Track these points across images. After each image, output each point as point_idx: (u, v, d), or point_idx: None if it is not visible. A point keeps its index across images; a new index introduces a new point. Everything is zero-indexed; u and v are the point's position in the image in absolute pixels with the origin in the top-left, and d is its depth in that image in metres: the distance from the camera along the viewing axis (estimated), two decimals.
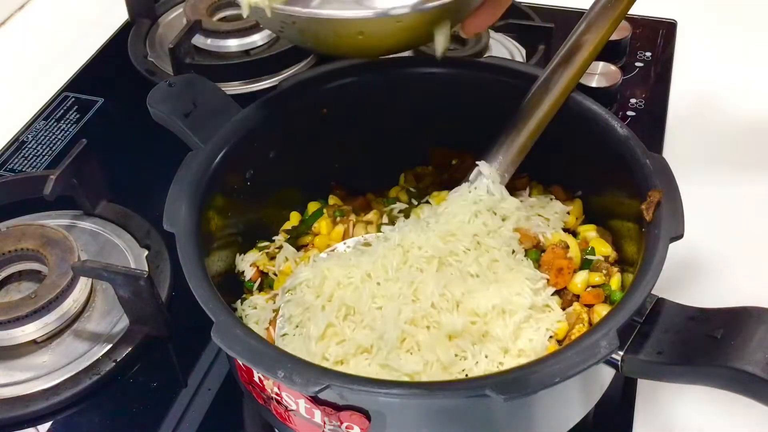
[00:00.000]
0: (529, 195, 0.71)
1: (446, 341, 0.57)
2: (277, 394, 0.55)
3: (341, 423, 0.53)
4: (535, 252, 0.65)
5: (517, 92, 0.68)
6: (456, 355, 0.57)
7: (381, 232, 0.67)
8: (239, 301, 0.66)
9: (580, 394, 0.59)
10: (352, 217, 0.72)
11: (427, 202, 0.71)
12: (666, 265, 0.54)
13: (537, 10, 1.00)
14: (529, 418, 0.56)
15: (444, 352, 0.56)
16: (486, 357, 0.57)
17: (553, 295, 0.64)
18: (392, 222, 0.70)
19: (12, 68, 1.06)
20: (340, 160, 0.74)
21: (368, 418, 0.52)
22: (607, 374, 0.59)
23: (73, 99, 0.98)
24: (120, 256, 0.77)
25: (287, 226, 0.73)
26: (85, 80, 1.01)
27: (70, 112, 0.96)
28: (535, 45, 0.96)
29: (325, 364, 0.56)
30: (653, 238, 0.57)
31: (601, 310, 0.63)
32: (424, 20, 0.59)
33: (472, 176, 0.69)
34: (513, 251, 0.64)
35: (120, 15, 1.08)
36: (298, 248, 0.70)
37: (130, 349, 0.69)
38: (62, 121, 0.95)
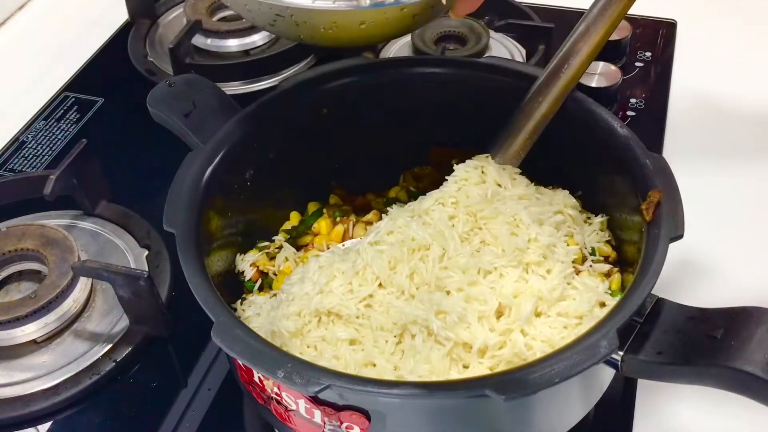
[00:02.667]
0: None
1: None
2: (277, 394, 0.55)
3: (341, 423, 0.52)
4: None
5: (517, 92, 0.68)
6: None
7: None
8: (239, 301, 0.66)
9: (580, 394, 0.59)
10: (352, 217, 0.72)
11: None
12: (666, 265, 0.54)
13: (537, 10, 1.00)
14: (529, 418, 0.56)
15: (439, 360, 0.56)
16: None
17: None
18: None
19: (12, 68, 1.06)
20: (340, 160, 0.74)
21: (368, 418, 0.52)
22: (607, 374, 0.59)
23: (73, 99, 0.98)
24: (120, 256, 0.77)
25: (287, 226, 0.73)
26: (85, 80, 1.01)
27: (70, 112, 0.96)
28: (535, 45, 0.96)
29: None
30: (653, 238, 0.57)
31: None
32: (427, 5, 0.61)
33: None
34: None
35: (120, 15, 1.08)
36: (298, 248, 0.71)
37: (130, 349, 0.69)
38: (62, 121, 0.95)
